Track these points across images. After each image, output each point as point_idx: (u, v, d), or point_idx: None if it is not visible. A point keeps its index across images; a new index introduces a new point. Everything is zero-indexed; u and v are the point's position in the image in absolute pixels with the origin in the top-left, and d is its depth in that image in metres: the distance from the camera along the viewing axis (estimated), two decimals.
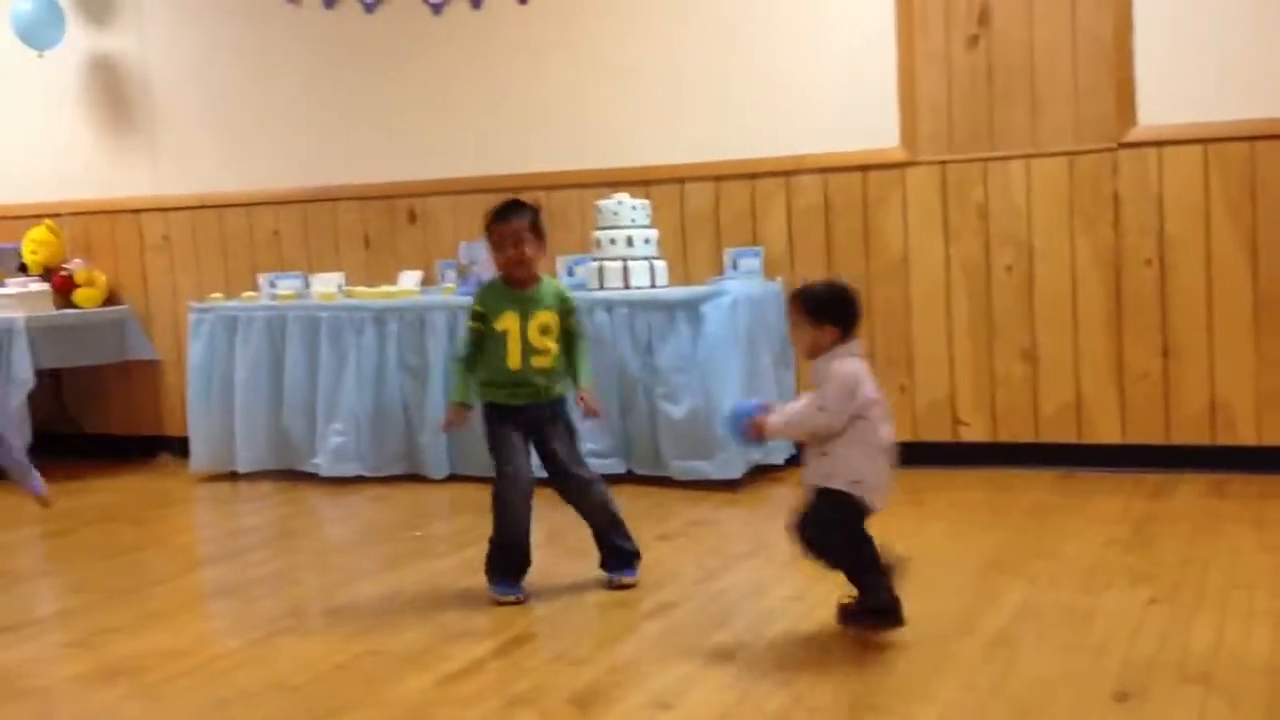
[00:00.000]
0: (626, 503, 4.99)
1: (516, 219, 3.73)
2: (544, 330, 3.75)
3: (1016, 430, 5.36)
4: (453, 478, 5.56)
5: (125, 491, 5.76)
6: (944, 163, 5.36)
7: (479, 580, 3.84)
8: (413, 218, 6.20)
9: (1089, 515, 4.50)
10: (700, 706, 2.81)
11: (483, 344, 3.76)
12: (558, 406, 3.84)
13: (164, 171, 6.63)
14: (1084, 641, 3.15)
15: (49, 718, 2.99)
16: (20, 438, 5.30)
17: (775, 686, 2.91)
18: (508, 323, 3.73)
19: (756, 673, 3.01)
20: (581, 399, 3.82)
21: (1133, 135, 5.11)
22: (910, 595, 3.17)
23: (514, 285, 3.77)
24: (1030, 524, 4.42)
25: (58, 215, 6.72)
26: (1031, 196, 5.26)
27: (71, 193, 6.74)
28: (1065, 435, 5.29)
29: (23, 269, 6.54)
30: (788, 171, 5.55)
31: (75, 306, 6.48)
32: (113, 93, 6.69)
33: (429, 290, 5.90)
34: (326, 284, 5.99)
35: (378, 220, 6.24)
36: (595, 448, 5.29)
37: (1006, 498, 4.84)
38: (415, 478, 5.61)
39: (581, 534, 4.65)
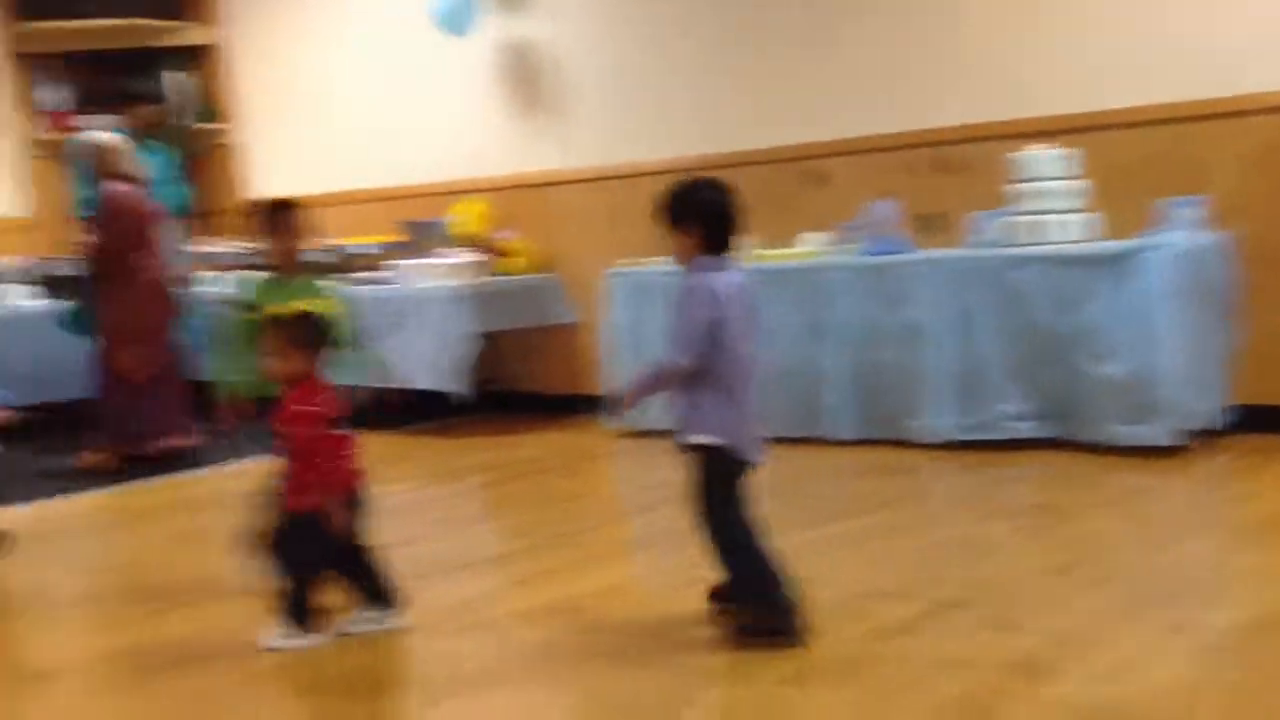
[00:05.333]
0: (1059, 470, 4.80)
1: (290, 211, 3.90)
2: None
3: None
4: (857, 440, 5.47)
5: (554, 445, 6.08)
6: None
7: (895, 541, 3.79)
8: (816, 179, 6.17)
9: None
10: (1152, 682, 2.64)
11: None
12: None
13: (577, 145, 6.90)
14: None
15: (502, 647, 3.19)
16: None
17: (1235, 662, 2.69)
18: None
19: (1213, 648, 2.79)
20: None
21: None
22: None
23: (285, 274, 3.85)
24: None
25: (482, 190, 7.17)
26: None
27: (494, 169, 7.14)
28: None
29: (451, 241, 7.03)
30: (1236, 112, 5.08)
31: (504, 274, 6.90)
32: (526, 74, 7.02)
33: (831, 251, 5.87)
34: None
35: (780, 182, 6.24)
36: (1010, 409, 5.10)
37: None
38: (816, 440, 5.55)
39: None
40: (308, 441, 3.20)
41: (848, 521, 4.30)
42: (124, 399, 6.00)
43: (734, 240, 3.14)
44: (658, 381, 3.17)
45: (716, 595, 3.23)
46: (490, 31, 6.98)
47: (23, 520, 4.91)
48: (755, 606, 3.06)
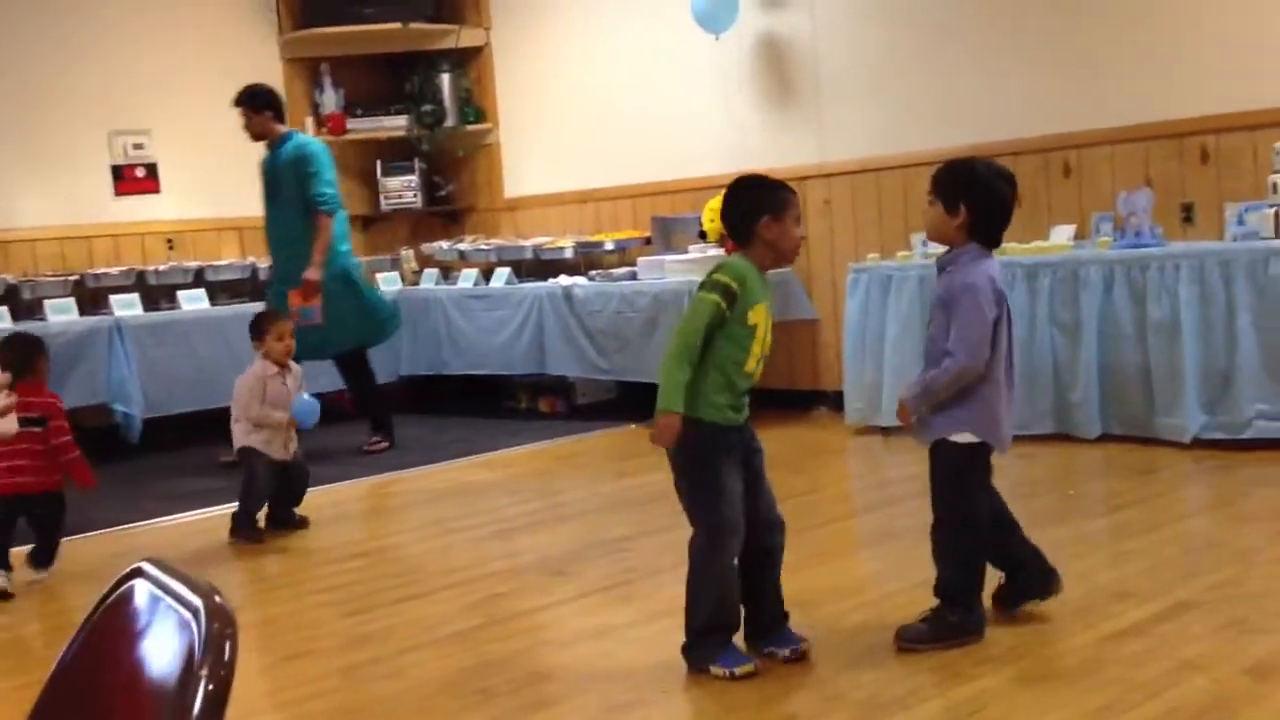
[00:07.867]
0: None
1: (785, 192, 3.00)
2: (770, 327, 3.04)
3: None
4: (1104, 437, 5.36)
5: (787, 441, 6.15)
6: None
7: (1135, 542, 3.72)
8: (1067, 171, 6.03)
9: None
10: None
11: (714, 339, 2.94)
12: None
13: (827, 140, 6.93)
14: None
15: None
16: None
17: None
18: (759, 316, 2.95)
19: None
20: None
21: None
22: None
23: (767, 268, 2.99)
24: None
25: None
26: None
27: (743, 164, 7.20)
28: None
29: (702, 236, 7.16)
30: None
31: None
32: (781, 70, 7.08)
33: (1082, 244, 5.73)
34: None
35: (1030, 175, 6.13)
36: (1265, 408, 4.90)
37: None
38: (1064, 437, 5.46)
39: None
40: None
41: (1093, 521, 4.24)
42: None
43: (1002, 233, 3.07)
44: (950, 386, 2.96)
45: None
46: (747, 27, 7.04)
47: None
48: (950, 606, 3.08)
